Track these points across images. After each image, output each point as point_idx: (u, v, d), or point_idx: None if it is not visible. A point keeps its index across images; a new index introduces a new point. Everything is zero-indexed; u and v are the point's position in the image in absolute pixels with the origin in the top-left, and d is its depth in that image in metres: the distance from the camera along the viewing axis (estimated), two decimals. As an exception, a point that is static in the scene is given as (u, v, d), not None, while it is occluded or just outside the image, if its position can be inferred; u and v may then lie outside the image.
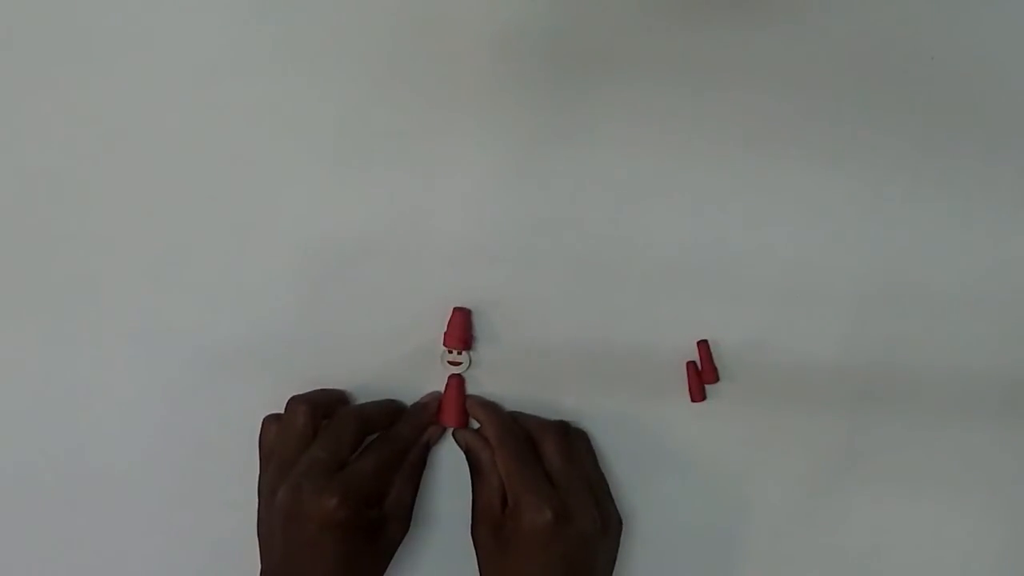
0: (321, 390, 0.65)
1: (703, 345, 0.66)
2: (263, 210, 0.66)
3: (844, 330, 0.66)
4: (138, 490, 0.67)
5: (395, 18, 0.65)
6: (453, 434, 0.66)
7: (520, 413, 0.66)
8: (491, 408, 0.65)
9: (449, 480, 0.66)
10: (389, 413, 0.65)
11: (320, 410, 0.62)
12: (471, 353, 0.66)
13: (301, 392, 0.64)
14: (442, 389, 0.66)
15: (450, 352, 0.66)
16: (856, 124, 0.65)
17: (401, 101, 0.65)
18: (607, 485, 0.65)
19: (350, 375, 0.66)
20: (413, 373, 0.66)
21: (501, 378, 0.66)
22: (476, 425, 0.66)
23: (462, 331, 0.65)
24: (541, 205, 0.66)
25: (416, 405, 0.66)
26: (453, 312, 0.65)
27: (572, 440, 0.63)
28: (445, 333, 0.65)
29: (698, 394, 0.66)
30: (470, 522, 0.64)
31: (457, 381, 0.66)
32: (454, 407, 0.65)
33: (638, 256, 0.66)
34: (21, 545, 0.67)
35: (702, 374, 0.66)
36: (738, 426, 0.66)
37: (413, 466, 0.64)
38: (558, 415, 0.66)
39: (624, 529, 0.65)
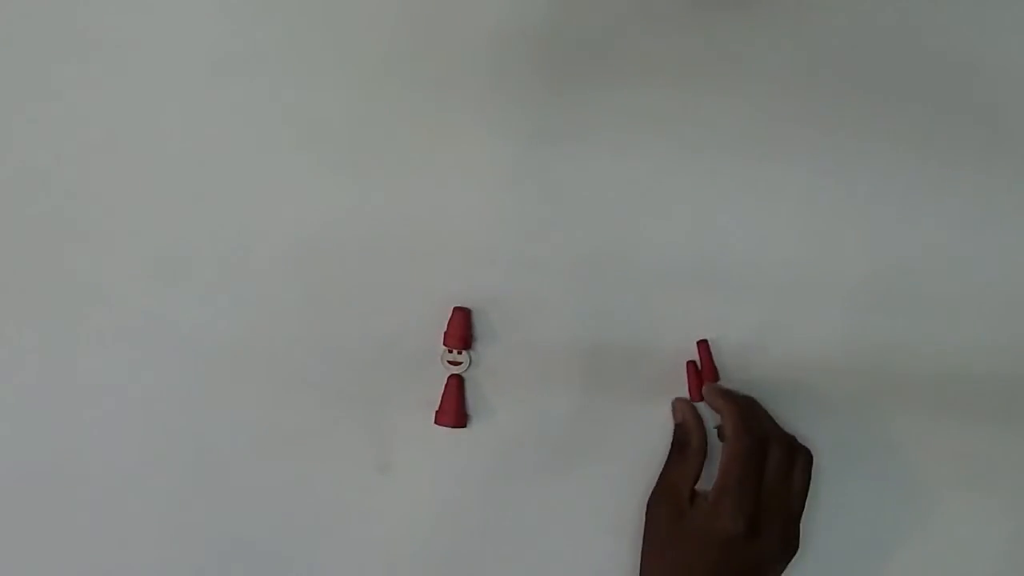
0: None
1: (703, 345, 0.66)
2: (263, 210, 0.66)
3: (844, 330, 0.66)
4: (138, 490, 0.67)
5: (395, 19, 0.65)
6: (673, 404, 0.65)
7: (754, 402, 0.64)
8: (732, 399, 0.63)
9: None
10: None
11: None
12: (471, 353, 0.66)
13: (300, 392, 0.64)
14: (442, 389, 0.66)
15: (450, 352, 0.66)
16: (856, 125, 0.65)
17: (401, 102, 0.65)
18: (803, 508, 0.62)
19: (350, 375, 0.66)
20: (413, 373, 0.66)
21: (501, 378, 0.66)
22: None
23: (462, 331, 0.65)
24: (541, 206, 0.66)
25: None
26: (453, 312, 0.65)
27: (795, 458, 0.62)
28: (445, 333, 0.65)
29: (698, 394, 0.66)
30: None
31: (457, 381, 0.66)
32: (453, 407, 0.65)
33: (638, 256, 0.66)
34: (21, 545, 0.67)
35: (702, 374, 0.66)
36: (738, 426, 0.66)
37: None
38: (557, 415, 0.66)
39: (622, 527, 0.65)
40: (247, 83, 0.65)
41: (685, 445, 0.64)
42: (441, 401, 0.66)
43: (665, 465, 0.64)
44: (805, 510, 0.62)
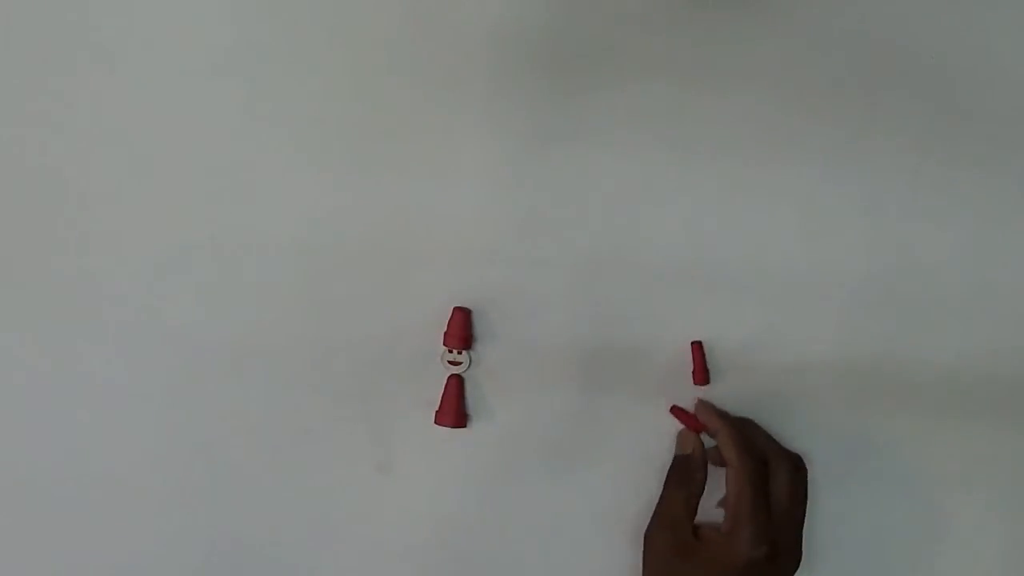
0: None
1: (696, 346, 0.65)
2: (263, 210, 0.66)
3: (844, 330, 0.66)
4: (137, 490, 0.67)
5: (395, 19, 0.65)
6: (680, 435, 0.65)
7: (750, 422, 0.64)
8: (728, 421, 0.63)
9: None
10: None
11: None
12: (471, 353, 0.66)
13: (300, 392, 0.65)
14: (442, 389, 0.66)
15: (450, 352, 0.66)
16: (855, 125, 0.66)
17: (401, 102, 0.65)
18: (804, 517, 0.63)
19: (350, 375, 0.66)
20: (413, 373, 0.66)
21: (501, 378, 0.66)
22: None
23: (462, 331, 0.65)
24: (541, 205, 0.66)
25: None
26: (453, 312, 0.65)
27: (797, 472, 0.62)
28: (445, 333, 0.65)
29: (697, 426, 0.65)
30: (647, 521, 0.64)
31: (457, 381, 0.66)
32: (453, 407, 0.65)
33: (638, 256, 0.66)
34: (21, 545, 0.67)
35: (694, 374, 0.65)
36: (738, 426, 0.66)
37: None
38: (557, 415, 0.66)
39: (622, 527, 0.65)
40: (247, 83, 0.65)
41: (689, 479, 0.63)
42: (441, 401, 0.66)
43: (664, 496, 0.63)
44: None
